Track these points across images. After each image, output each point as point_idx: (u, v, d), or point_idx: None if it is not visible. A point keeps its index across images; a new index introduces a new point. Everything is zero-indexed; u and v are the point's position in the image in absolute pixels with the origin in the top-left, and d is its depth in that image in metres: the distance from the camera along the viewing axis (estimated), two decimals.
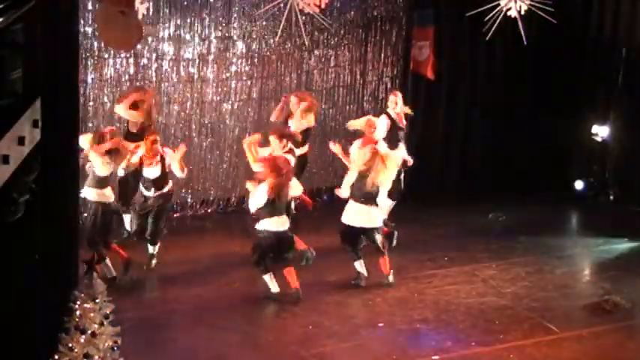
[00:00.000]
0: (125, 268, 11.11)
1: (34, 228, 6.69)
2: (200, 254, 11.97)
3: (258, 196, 10.60)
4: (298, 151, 11.83)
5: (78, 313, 7.25)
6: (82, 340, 7.25)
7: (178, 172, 11.32)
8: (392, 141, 12.39)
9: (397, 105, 12.79)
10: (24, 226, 6.28)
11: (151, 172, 11.24)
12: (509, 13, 11.54)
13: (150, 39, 12.68)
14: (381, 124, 12.16)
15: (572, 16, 14.12)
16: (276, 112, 12.58)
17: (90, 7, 12.17)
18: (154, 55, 12.82)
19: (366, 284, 11.41)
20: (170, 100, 13.02)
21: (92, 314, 7.26)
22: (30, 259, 6.83)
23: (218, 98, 13.31)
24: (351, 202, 11.22)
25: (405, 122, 12.83)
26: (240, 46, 13.27)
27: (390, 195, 12.51)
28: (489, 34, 11.88)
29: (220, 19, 13.04)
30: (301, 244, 11.36)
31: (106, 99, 12.71)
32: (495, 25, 11.57)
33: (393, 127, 12.61)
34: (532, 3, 11.53)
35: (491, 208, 13.99)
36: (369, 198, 11.11)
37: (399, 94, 12.96)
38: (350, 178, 11.19)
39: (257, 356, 9.87)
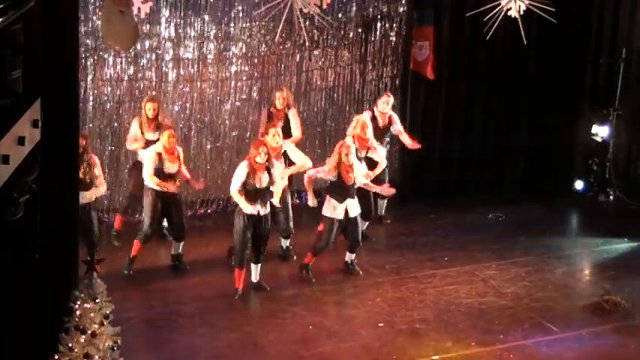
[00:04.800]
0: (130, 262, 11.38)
1: (34, 228, 6.68)
2: (200, 254, 11.97)
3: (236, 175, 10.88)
4: None
5: (78, 313, 7.24)
6: (82, 340, 7.24)
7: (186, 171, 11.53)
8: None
9: (388, 105, 12.81)
10: (24, 226, 6.28)
11: (172, 167, 11.30)
12: (509, 13, 11.54)
13: (150, 39, 12.69)
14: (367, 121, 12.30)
15: (572, 16, 14.11)
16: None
17: (90, 6, 12.20)
18: (154, 55, 12.82)
19: (366, 284, 11.43)
20: (170, 100, 13.03)
21: (92, 314, 7.25)
22: (30, 259, 6.83)
23: (218, 98, 13.31)
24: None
25: (385, 124, 12.78)
26: (240, 46, 13.27)
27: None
28: (489, 34, 11.87)
29: (220, 19, 13.04)
30: None
31: (105, 99, 12.72)
32: (495, 25, 11.57)
33: (376, 126, 12.64)
34: (532, 3, 11.53)
35: (491, 208, 13.99)
36: None
37: (391, 97, 12.99)
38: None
39: (257, 356, 9.88)
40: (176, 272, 11.57)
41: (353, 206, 11.36)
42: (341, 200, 11.26)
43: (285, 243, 12.03)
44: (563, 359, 10.05)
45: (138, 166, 11.89)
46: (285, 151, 11.67)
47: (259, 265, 11.10)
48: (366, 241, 12.49)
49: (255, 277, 11.12)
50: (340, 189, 11.26)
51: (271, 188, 10.91)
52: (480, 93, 14.55)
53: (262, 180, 10.80)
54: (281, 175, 11.07)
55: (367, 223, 12.52)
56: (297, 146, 12.13)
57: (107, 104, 12.73)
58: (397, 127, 12.96)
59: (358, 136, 12.01)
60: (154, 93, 12.60)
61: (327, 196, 11.38)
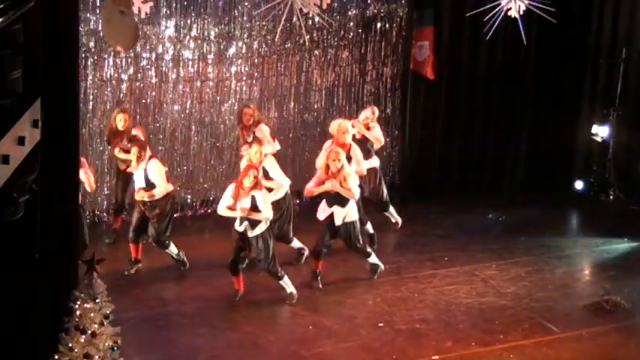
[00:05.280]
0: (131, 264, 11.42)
1: (34, 228, 6.69)
2: (200, 254, 11.96)
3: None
4: None
5: (78, 313, 7.24)
6: (82, 340, 7.24)
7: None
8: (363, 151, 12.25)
9: (368, 119, 12.56)
10: (24, 226, 6.28)
11: (136, 177, 11.32)
12: (509, 13, 11.54)
13: (150, 39, 12.69)
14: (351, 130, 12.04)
15: (572, 16, 14.11)
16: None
17: (91, 6, 12.21)
18: (154, 55, 12.82)
19: (366, 284, 11.44)
20: (170, 100, 13.03)
21: (92, 314, 7.25)
22: (30, 259, 6.83)
23: (218, 98, 13.31)
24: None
25: (361, 136, 12.46)
26: (240, 46, 13.27)
27: (380, 205, 12.69)
28: (489, 34, 11.87)
29: (220, 19, 13.04)
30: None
31: (105, 99, 12.72)
32: (495, 25, 11.56)
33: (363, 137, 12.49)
34: (532, 3, 11.52)
35: (491, 208, 13.99)
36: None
37: (376, 111, 12.82)
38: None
39: (257, 356, 9.88)
40: (176, 272, 11.57)
41: (339, 214, 11.17)
42: (329, 205, 11.17)
43: (297, 244, 11.95)
44: (563, 359, 10.05)
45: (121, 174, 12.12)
46: (264, 167, 11.35)
47: (282, 280, 10.95)
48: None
49: (288, 289, 10.99)
50: (326, 193, 11.16)
51: (255, 217, 10.65)
52: (480, 93, 14.56)
53: (242, 204, 10.59)
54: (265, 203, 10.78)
55: (366, 225, 12.42)
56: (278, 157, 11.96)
57: (107, 104, 12.73)
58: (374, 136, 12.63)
59: (336, 141, 11.71)
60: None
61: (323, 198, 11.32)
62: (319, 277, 11.36)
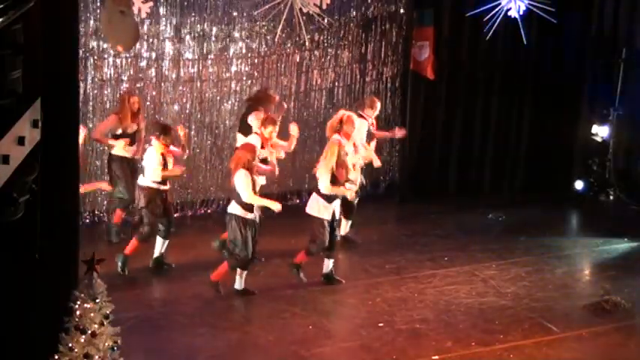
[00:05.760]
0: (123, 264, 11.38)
1: (34, 228, 6.68)
2: (200, 254, 11.97)
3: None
4: None
5: (78, 313, 7.23)
6: (82, 340, 7.23)
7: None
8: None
9: (376, 110, 12.69)
10: (24, 226, 6.27)
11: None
12: (509, 13, 11.55)
13: (150, 39, 12.70)
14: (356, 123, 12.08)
15: (572, 16, 14.12)
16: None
17: (91, 6, 12.21)
18: (154, 55, 12.83)
19: (366, 284, 11.43)
20: (170, 100, 13.04)
21: (92, 314, 7.24)
22: (30, 259, 6.82)
23: (218, 98, 13.31)
24: None
25: (375, 127, 12.68)
26: (240, 46, 13.28)
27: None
28: (489, 34, 11.88)
29: (220, 19, 13.05)
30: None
31: (105, 99, 12.72)
32: (495, 25, 11.57)
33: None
34: (532, 3, 11.54)
35: (491, 208, 14.00)
36: None
37: (379, 102, 12.87)
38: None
39: (257, 356, 9.88)
40: (176, 272, 11.56)
41: (338, 207, 11.25)
42: (330, 200, 11.12)
43: None
44: (563, 359, 10.05)
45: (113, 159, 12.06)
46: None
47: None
48: (357, 244, 12.47)
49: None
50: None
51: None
52: (480, 93, 14.57)
53: (259, 181, 10.80)
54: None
55: (350, 222, 12.42)
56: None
57: (107, 104, 12.73)
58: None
59: (345, 133, 11.59)
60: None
61: (315, 195, 11.20)
62: (300, 270, 11.27)
